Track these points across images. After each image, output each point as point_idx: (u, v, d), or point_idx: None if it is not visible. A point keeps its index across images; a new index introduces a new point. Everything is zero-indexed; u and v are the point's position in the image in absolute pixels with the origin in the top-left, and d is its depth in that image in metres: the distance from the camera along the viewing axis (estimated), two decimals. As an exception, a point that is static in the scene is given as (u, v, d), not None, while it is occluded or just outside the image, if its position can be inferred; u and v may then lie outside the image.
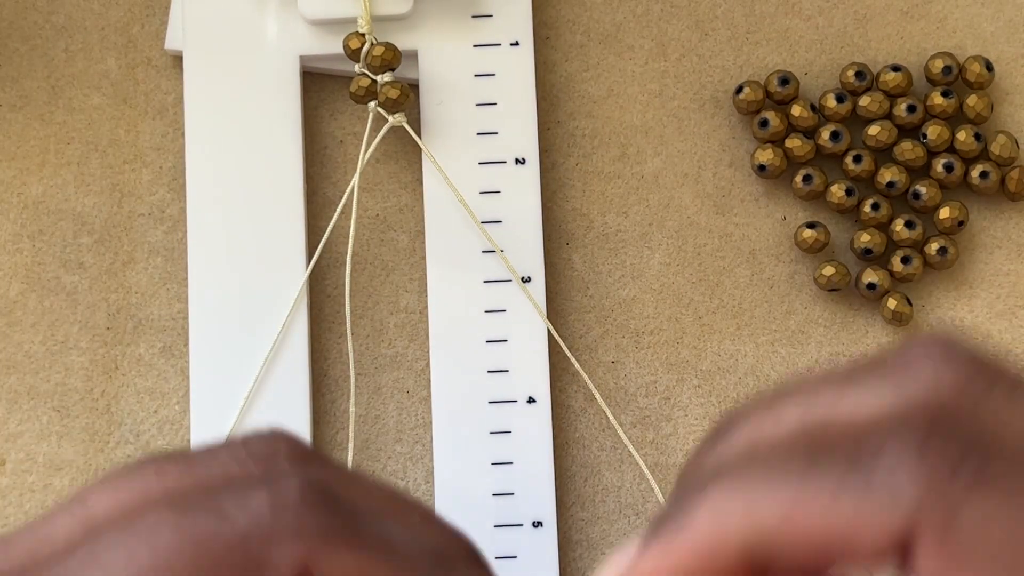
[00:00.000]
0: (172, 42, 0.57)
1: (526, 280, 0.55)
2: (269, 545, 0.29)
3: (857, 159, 0.57)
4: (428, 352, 0.55)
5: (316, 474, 0.31)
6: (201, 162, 0.55)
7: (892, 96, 0.57)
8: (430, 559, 0.31)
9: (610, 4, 0.59)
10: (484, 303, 0.55)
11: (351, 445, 0.54)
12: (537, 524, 0.53)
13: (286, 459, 0.31)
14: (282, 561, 0.29)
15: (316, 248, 0.55)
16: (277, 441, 0.32)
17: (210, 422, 0.54)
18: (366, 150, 0.55)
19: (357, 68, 0.55)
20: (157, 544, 0.29)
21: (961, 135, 0.56)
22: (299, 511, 0.30)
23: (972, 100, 0.57)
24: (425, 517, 0.33)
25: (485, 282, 0.55)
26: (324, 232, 0.55)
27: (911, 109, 0.57)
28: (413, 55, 0.56)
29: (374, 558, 0.30)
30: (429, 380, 0.55)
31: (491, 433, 0.54)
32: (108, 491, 0.31)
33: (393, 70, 0.55)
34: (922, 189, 0.56)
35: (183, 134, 0.56)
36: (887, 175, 0.56)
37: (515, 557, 0.53)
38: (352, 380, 0.55)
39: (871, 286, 0.56)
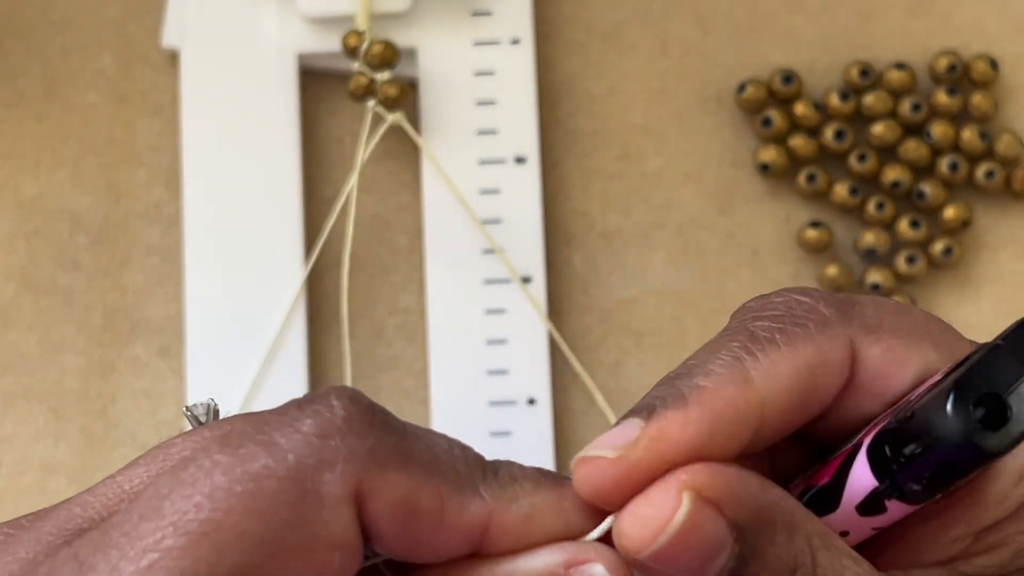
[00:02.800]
0: (169, 39, 0.57)
1: (526, 280, 0.55)
2: (320, 472, 0.29)
3: (861, 158, 0.56)
4: (427, 353, 0.55)
5: (361, 399, 0.31)
6: (198, 161, 0.55)
7: (896, 94, 0.57)
8: (477, 469, 0.31)
9: (611, 1, 0.58)
10: (484, 303, 0.55)
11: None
12: (537, 527, 0.53)
13: (332, 394, 0.31)
14: (335, 488, 0.29)
15: (314, 248, 0.55)
16: (328, 389, 0.33)
17: (207, 424, 0.54)
18: (365, 149, 0.55)
19: (356, 66, 0.55)
20: (210, 487, 0.29)
21: (966, 134, 0.56)
22: (346, 434, 0.30)
23: (977, 98, 0.57)
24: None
25: (485, 282, 0.55)
26: (322, 232, 0.55)
27: (916, 107, 0.56)
28: (412, 53, 0.56)
29: (424, 475, 0.30)
30: (428, 381, 0.55)
31: (491, 434, 0.54)
32: (180, 438, 0.31)
33: (392, 68, 0.54)
34: (927, 188, 0.56)
35: (180, 133, 0.56)
36: (892, 174, 0.56)
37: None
38: (350, 381, 0.54)
39: (875, 286, 0.56)
